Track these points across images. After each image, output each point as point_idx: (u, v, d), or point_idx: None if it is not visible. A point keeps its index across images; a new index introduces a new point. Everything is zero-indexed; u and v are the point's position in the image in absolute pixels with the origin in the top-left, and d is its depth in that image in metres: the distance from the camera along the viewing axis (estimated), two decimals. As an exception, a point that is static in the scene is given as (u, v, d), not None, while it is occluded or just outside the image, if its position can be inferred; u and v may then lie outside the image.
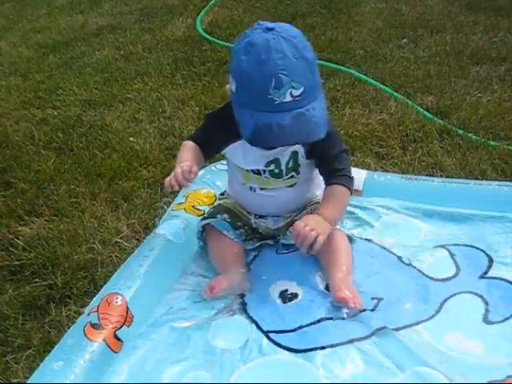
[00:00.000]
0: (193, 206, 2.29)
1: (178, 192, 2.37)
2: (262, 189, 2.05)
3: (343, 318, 1.81)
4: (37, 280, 2.16)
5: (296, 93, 1.72)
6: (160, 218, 2.30)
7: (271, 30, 1.72)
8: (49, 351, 1.73)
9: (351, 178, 1.99)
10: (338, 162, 1.97)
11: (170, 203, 2.39)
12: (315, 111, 1.77)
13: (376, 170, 2.51)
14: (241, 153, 1.99)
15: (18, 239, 2.37)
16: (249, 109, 1.79)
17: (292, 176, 2.02)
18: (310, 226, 1.85)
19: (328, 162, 1.97)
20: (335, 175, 1.96)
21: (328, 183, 1.99)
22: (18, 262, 2.25)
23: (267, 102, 1.73)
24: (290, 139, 1.82)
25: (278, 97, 1.72)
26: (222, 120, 1.95)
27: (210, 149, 2.08)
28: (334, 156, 1.97)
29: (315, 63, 1.79)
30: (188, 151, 2.04)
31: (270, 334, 1.79)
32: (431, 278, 1.96)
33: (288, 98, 1.72)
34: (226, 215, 2.11)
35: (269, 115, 1.74)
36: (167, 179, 1.92)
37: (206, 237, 2.12)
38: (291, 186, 2.05)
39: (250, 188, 2.07)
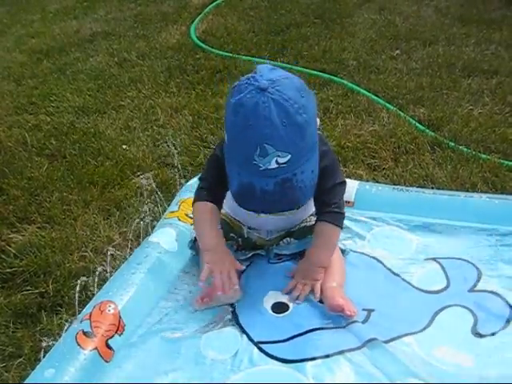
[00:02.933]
0: (186, 214, 2.29)
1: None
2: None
3: (334, 328, 1.82)
4: (28, 288, 2.17)
5: (282, 160, 1.69)
6: (153, 227, 2.30)
7: (264, 90, 1.65)
8: (40, 360, 1.73)
9: (341, 214, 1.98)
10: (331, 195, 1.94)
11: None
12: (303, 175, 1.76)
13: (368, 182, 2.51)
14: None
15: (10, 246, 2.38)
16: (236, 166, 1.79)
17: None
18: (302, 281, 1.92)
19: (322, 193, 1.93)
20: (326, 211, 1.95)
21: (318, 219, 1.99)
22: (9, 270, 2.26)
23: (252, 167, 1.71)
24: (272, 206, 1.83)
25: (263, 164, 1.69)
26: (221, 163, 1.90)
27: (222, 198, 2.03)
28: (329, 188, 1.93)
29: (308, 124, 1.72)
30: (209, 225, 1.98)
31: (261, 345, 1.79)
32: (422, 291, 1.97)
33: (273, 165, 1.69)
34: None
35: (254, 178, 1.74)
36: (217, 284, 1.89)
37: (197, 247, 2.12)
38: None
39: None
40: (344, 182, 2.00)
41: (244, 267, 2.00)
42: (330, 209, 1.95)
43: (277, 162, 1.69)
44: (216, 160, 1.93)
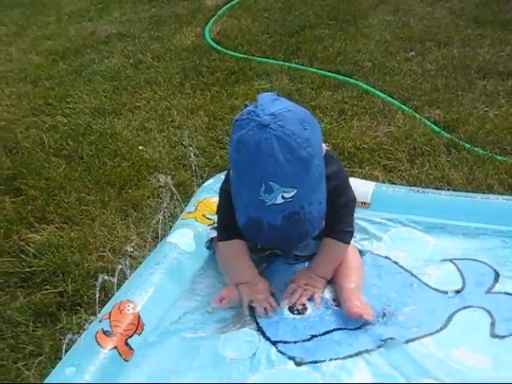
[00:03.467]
0: (203, 215, 2.31)
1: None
2: None
3: (352, 329, 1.83)
4: (48, 287, 2.19)
5: (288, 195, 1.69)
6: (170, 227, 2.32)
7: (266, 126, 1.64)
8: (60, 358, 1.75)
9: (350, 232, 2.00)
10: (341, 214, 1.97)
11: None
12: (311, 207, 1.75)
13: (384, 183, 2.52)
14: None
15: (29, 246, 2.41)
16: (243, 200, 1.79)
17: None
18: (303, 286, 1.93)
19: (333, 212, 1.93)
20: (335, 229, 1.97)
21: (328, 234, 1.99)
22: (28, 269, 2.29)
23: (258, 202, 1.70)
24: (280, 240, 1.82)
25: (269, 200, 1.69)
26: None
27: None
28: (339, 207, 1.94)
29: (313, 157, 1.71)
30: (240, 260, 2.00)
31: (279, 345, 1.80)
32: (438, 292, 1.98)
33: (280, 201, 1.69)
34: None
35: (260, 212, 1.73)
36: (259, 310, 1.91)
37: (214, 247, 2.13)
38: None
39: None
40: (354, 200, 2.02)
41: (275, 290, 1.98)
42: (340, 228, 1.97)
43: (283, 197, 1.69)
44: (226, 193, 1.93)
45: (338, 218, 1.96)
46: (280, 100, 1.77)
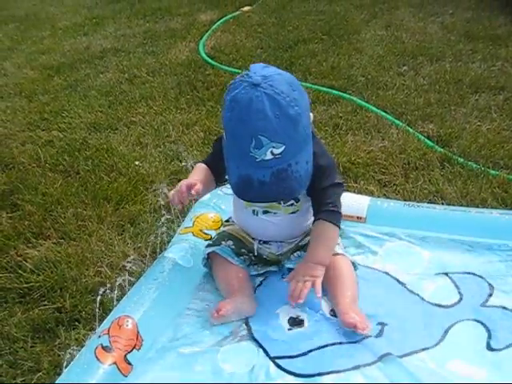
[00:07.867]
0: (200, 230, 2.33)
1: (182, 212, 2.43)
2: (264, 212, 2.09)
3: (349, 343, 1.84)
4: (45, 303, 2.19)
5: (277, 151, 1.79)
6: (167, 242, 2.33)
7: (257, 85, 1.75)
8: (59, 374, 1.75)
9: (338, 213, 2.02)
10: (327, 195, 2.00)
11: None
12: (298, 165, 1.84)
13: (379, 197, 2.54)
14: None
15: (26, 262, 2.40)
16: (234, 160, 1.88)
17: (292, 204, 2.07)
18: (302, 279, 1.95)
19: (318, 193, 2.00)
20: (323, 210, 2.00)
21: (316, 217, 2.04)
22: (26, 285, 2.28)
23: (249, 159, 1.81)
24: (269, 196, 1.90)
25: (259, 155, 1.79)
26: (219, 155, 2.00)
27: (219, 170, 2.11)
28: (325, 188, 1.99)
29: (300, 116, 1.81)
30: (198, 172, 2.11)
31: (277, 360, 1.82)
32: (434, 305, 2.00)
33: (269, 156, 1.79)
34: (230, 242, 2.16)
35: (251, 169, 1.83)
36: (171, 192, 2.03)
37: (211, 264, 2.16)
38: (293, 212, 2.10)
39: (253, 211, 2.11)
40: (341, 184, 2.07)
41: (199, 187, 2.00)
42: (327, 208, 2.00)
43: (272, 152, 1.78)
44: (215, 153, 2.08)
45: (324, 200, 2.00)
46: (270, 67, 1.88)
